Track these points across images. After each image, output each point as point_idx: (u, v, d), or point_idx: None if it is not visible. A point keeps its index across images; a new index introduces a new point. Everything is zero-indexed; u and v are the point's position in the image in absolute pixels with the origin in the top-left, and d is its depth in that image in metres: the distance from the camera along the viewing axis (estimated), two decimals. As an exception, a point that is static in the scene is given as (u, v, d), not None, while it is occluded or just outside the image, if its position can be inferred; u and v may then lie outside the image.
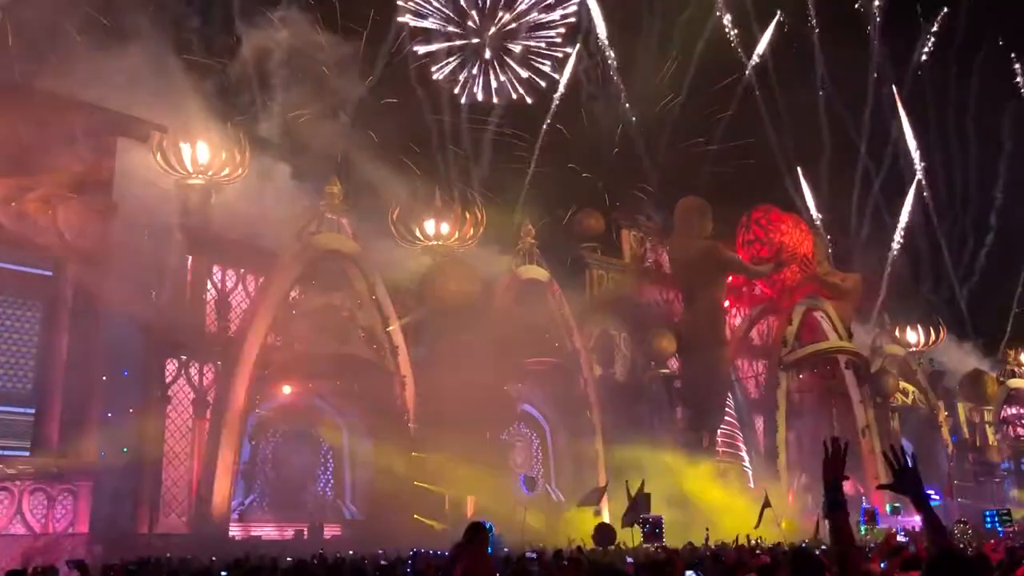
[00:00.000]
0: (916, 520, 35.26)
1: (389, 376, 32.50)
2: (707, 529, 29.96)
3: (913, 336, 54.50)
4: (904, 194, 64.96)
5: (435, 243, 36.74)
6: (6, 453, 23.96)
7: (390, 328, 32.68)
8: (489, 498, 30.54)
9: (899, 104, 63.39)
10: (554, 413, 39.10)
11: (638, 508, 27.11)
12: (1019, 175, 62.39)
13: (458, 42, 49.28)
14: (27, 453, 24.33)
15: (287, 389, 31.59)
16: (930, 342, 55.08)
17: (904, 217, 64.47)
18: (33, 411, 24.69)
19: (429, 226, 36.76)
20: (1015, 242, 62.07)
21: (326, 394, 33.12)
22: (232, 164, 31.17)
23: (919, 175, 64.96)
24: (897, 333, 53.58)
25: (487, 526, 8.14)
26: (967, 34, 61.05)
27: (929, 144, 64.33)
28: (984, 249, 64.39)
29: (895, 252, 62.53)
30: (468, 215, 37.38)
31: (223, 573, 15.91)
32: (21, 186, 24.17)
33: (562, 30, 52.08)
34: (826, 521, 5.09)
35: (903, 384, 49.86)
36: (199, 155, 30.62)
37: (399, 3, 48.51)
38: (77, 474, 24.48)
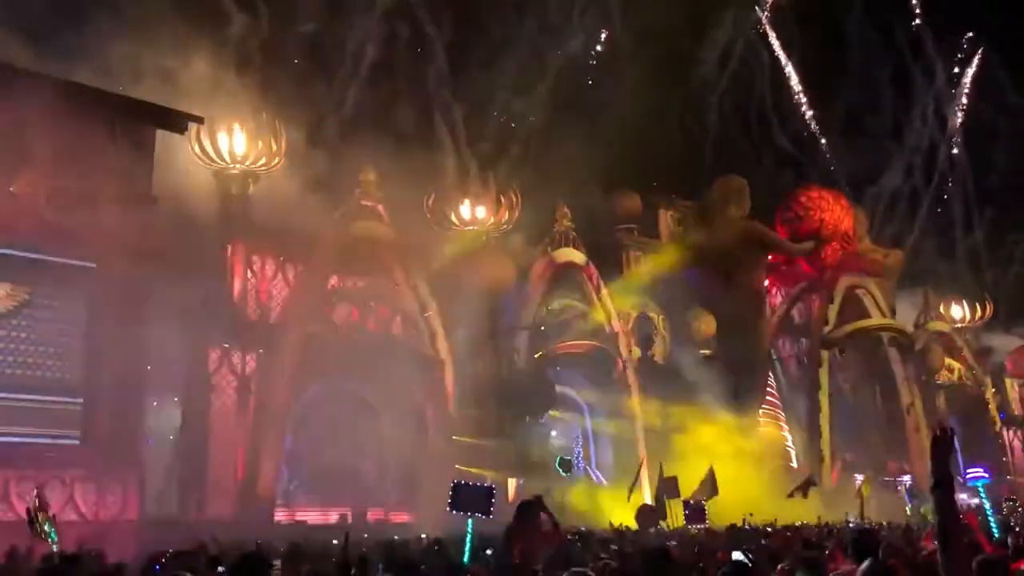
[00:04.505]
0: (963, 498, 34.67)
1: (429, 361, 32.66)
2: (750, 515, 29.68)
3: (959, 312, 53.40)
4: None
5: (471, 228, 36.72)
6: (58, 442, 24.46)
7: (428, 313, 32.81)
8: (531, 480, 30.61)
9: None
10: (593, 396, 39.03)
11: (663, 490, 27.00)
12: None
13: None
14: (78, 442, 24.82)
15: (328, 375, 31.88)
16: (976, 318, 53.95)
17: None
18: (82, 401, 25.16)
19: (465, 211, 36.75)
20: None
21: (367, 379, 33.36)
22: (269, 154, 31.45)
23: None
24: (942, 309, 52.54)
25: (536, 501, 8.05)
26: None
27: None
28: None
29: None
30: (503, 199, 37.27)
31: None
32: (62, 180, 24.52)
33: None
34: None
35: (949, 361, 48.96)
36: (236, 145, 30.91)
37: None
38: (126, 463, 24.95)
